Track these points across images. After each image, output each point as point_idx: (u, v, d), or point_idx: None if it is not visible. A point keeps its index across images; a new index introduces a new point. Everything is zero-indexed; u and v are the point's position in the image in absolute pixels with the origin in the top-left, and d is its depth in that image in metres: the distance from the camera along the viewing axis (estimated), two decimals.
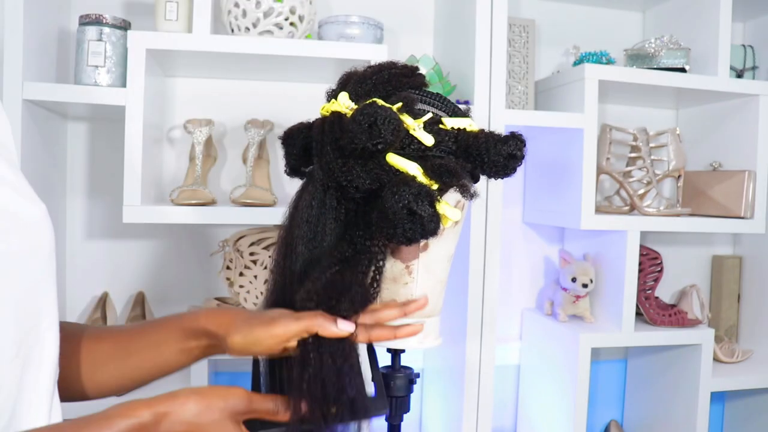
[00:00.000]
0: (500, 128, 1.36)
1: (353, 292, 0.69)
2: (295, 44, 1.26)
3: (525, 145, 0.78)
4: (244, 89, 1.52)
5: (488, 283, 1.37)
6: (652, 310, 1.58)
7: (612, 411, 1.83)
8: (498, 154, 0.75)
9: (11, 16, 1.14)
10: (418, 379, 0.90)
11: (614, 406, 1.83)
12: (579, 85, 1.44)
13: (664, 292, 1.75)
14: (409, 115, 0.74)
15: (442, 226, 0.70)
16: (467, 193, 0.74)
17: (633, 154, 1.57)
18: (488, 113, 1.37)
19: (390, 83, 0.78)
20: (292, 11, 1.28)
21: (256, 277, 1.36)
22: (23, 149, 1.17)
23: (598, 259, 1.58)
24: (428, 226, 0.68)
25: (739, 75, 1.73)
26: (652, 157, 1.56)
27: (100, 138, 1.47)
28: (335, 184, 0.73)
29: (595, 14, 1.77)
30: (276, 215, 1.25)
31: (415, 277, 0.79)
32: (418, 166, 0.72)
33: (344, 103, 0.76)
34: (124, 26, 1.26)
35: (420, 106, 0.78)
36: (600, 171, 1.54)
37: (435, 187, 0.71)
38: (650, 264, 1.59)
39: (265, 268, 1.35)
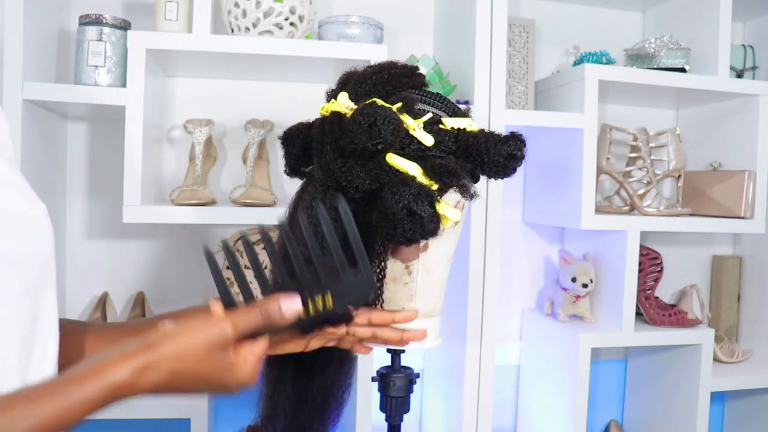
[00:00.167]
0: (500, 128, 1.36)
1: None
2: (295, 44, 1.26)
3: (525, 145, 0.78)
4: (244, 89, 1.52)
5: (488, 283, 1.37)
6: (652, 310, 1.58)
7: (612, 411, 1.83)
8: (498, 154, 0.75)
9: (11, 16, 1.14)
10: (418, 379, 0.90)
11: (614, 406, 1.83)
12: (579, 85, 1.44)
13: (664, 292, 1.75)
14: (409, 115, 0.74)
15: (442, 227, 0.70)
16: (467, 193, 0.74)
17: (633, 154, 1.57)
18: (488, 113, 1.37)
19: (390, 83, 0.78)
20: (292, 11, 1.28)
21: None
22: (23, 149, 1.17)
23: (598, 259, 1.58)
24: (428, 226, 0.68)
25: (739, 75, 1.73)
26: (652, 157, 1.56)
27: (100, 138, 1.47)
28: (335, 184, 0.73)
29: (595, 14, 1.77)
30: (276, 215, 1.25)
31: (415, 277, 0.79)
32: (418, 167, 0.72)
33: (344, 103, 0.76)
34: (124, 26, 1.26)
35: (420, 106, 0.78)
36: (600, 171, 1.54)
37: (435, 187, 0.71)
38: (650, 264, 1.59)
39: (266, 268, 1.35)
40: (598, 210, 1.52)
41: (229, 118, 1.51)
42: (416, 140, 0.73)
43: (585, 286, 1.53)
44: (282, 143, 0.85)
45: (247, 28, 1.27)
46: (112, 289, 1.48)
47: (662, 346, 1.64)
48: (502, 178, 0.79)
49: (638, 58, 1.56)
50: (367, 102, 0.71)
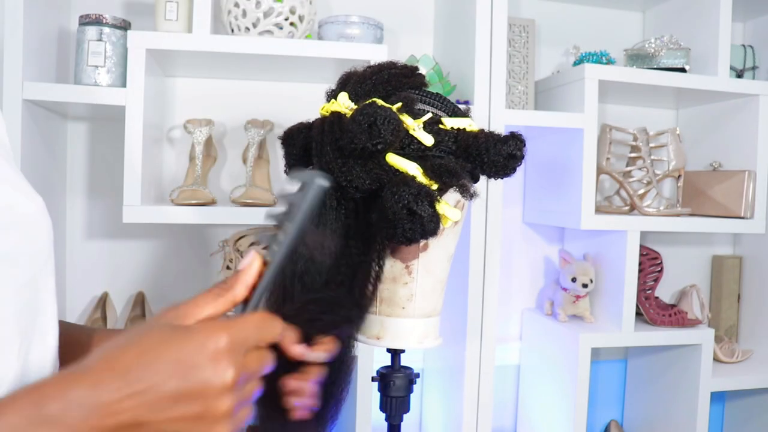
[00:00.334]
0: (500, 128, 1.36)
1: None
2: (295, 44, 1.26)
3: (525, 145, 0.77)
4: (244, 89, 1.52)
5: (488, 283, 1.37)
6: (652, 310, 1.58)
7: (612, 411, 1.83)
8: (498, 154, 0.75)
9: (11, 16, 1.14)
10: (418, 379, 0.90)
11: (614, 406, 1.83)
12: (579, 85, 1.44)
13: (664, 292, 1.75)
14: (409, 115, 0.74)
15: (441, 226, 0.70)
16: (467, 193, 0.74)
17: (633, 154, 1.57)
18: (488, 113, 1.37)
19: (390, 83, 0.78)
20: (292, 11, 1.28)
21: None
22: (23, 149, 1.17)
23: (598, 259, 1.58)
24: (428, 226, 0.68)
25: (739, 75, 1.73)
26: (652, 157, 1.56)
27: (100, 138, 1.47)
28: (335, 185, 0.73)
29: (595, 14, 1.77)
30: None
31: (415, 277, 0.79)
32: (418, 166, 0.71)
33: (344, 103, 0.76)
34: (124, 26, 1.26)
35: (420, 106, 0.78)
36: (600, 171, 1.54)
37: (435, 187, 0.71)
38: (650, 264, 1.59)
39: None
40: (598, 210, 1.52)
41: (229, 118, 1.51)
42: (416, 140, 0.73)
43: (585, 286, 1.53)
44: (282, 143, 0.85)
45: (247, 28, 1.27)
46: (112, 289, 1.48)
47: (662, 346, 1.64)
48: (502, 178, 0.79)
49: (638, 58, 1.56)
50: (367, 102, 0.71)
